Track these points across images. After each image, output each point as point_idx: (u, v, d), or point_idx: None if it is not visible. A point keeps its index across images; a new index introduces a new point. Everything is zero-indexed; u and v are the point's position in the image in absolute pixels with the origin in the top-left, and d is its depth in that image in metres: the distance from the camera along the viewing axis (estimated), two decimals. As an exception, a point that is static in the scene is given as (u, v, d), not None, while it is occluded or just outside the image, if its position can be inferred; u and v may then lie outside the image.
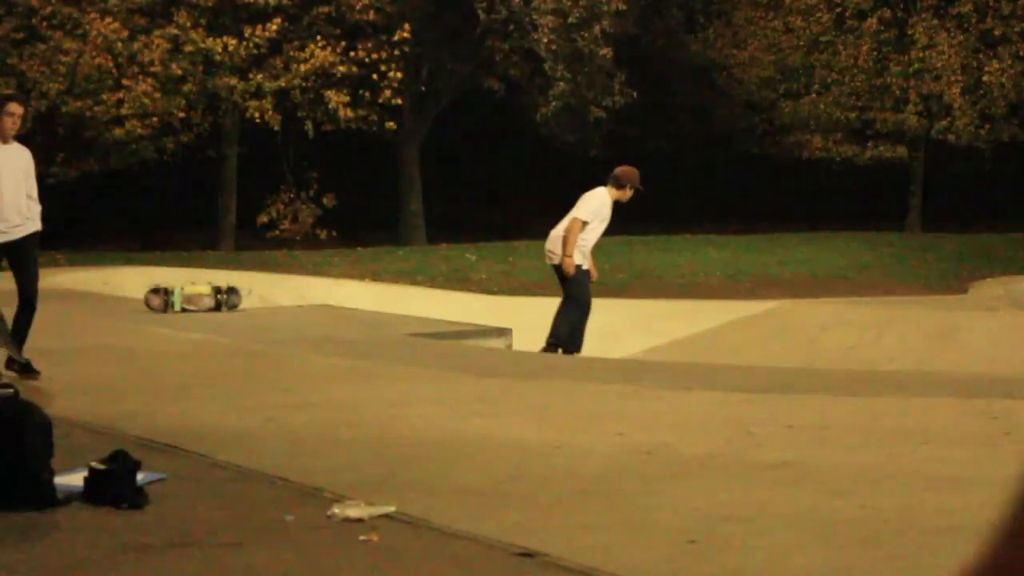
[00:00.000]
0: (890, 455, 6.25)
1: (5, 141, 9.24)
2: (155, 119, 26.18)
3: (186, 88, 26.59)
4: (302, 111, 27.70)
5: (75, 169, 26.23)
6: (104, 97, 25.72)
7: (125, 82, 25.97)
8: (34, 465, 5.21)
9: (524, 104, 30.34)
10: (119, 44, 25.78)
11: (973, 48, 31.05)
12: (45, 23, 25.66)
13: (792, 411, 7.68)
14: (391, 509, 5.03)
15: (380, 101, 27.85)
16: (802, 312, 16.94)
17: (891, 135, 31.66)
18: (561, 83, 28.46)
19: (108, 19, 25.70)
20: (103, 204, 29.67)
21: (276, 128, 27.44)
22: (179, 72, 26.36)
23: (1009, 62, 30.66)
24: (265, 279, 18.97)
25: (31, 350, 9.25)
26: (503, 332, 13.65)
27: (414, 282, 21.14)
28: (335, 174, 29.27)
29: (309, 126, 27.79)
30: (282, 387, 8.81)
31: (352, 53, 27.61)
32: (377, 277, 21.56)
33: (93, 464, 5.31)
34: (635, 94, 29.31)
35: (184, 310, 14.60)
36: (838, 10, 31.89)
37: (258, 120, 27.30)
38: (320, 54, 27.09)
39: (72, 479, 5.35)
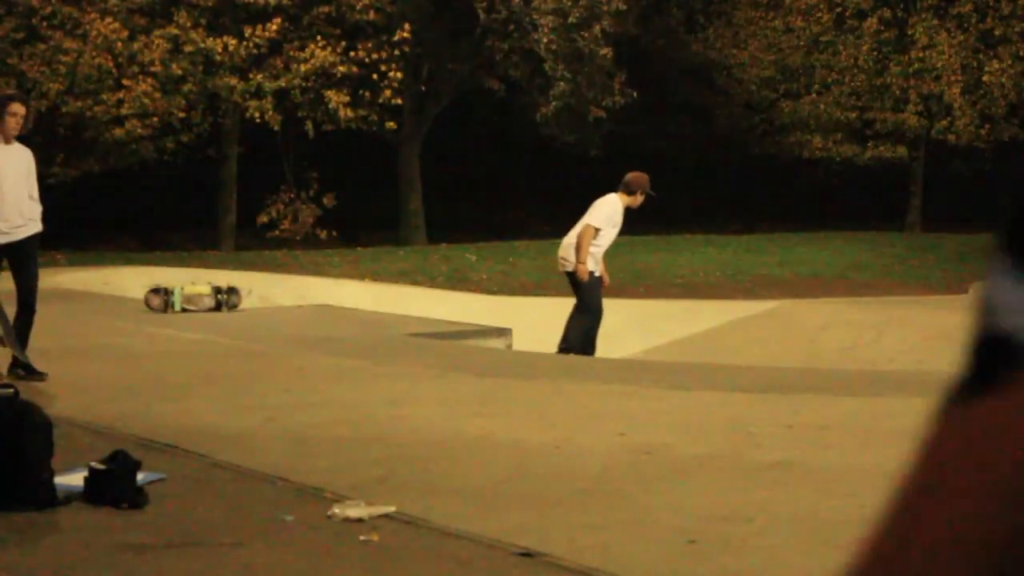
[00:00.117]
0: (890, 455, 6.25)
1: (7, 141, 9.23)
2: (155, 119, 26.17)
3: (186, 88, 26.59)
4: (302, 111, 27.70)
5: (75, 169, 26.22)
6: (104, 97, 25.71)
7: (125, 82, 25.97)
8: (34, 465, 5.21)
9: (524, 104, 30.33)
10: (119, 44, 25.78)
11: (973, 48, 31.04)
12: (45, 23, 25.65)
13: (792, 411, 7.68)
14: (391, 509, 5.03)
15: (380, 101, 27.85)
16: (802, 312, 16.93)
17: (891, 135, 31.66)
18: (561, 83, 28.45)
19: (108, 19, 25.69)
20: (103, 204, 29.64)
21: (276, 128, 27.44)
22: (179, 72, 26.35)
23: (1009, 62, 30.65)
24: (265, 279, 18.96)
25: (32, 350, 9.24)
26: (503, 332, 13.65)
27: (414, 282, 21.13)
28: (335, 174, 29.26)
29: (309, 126, 27.79)
30: (282, 387, 8.80)
31: (352, 53, 27.61)
32: (377, 277, 21.55)
33: (93, 464, 5.31)
34: (635, 94, 29.30)
35: (184, 310, 14.60)
36: (838, 10, 31.89)
37: (258, 120, 27.30)
38: (320, 54, 27.09)
39: (72, 479, 5.35)
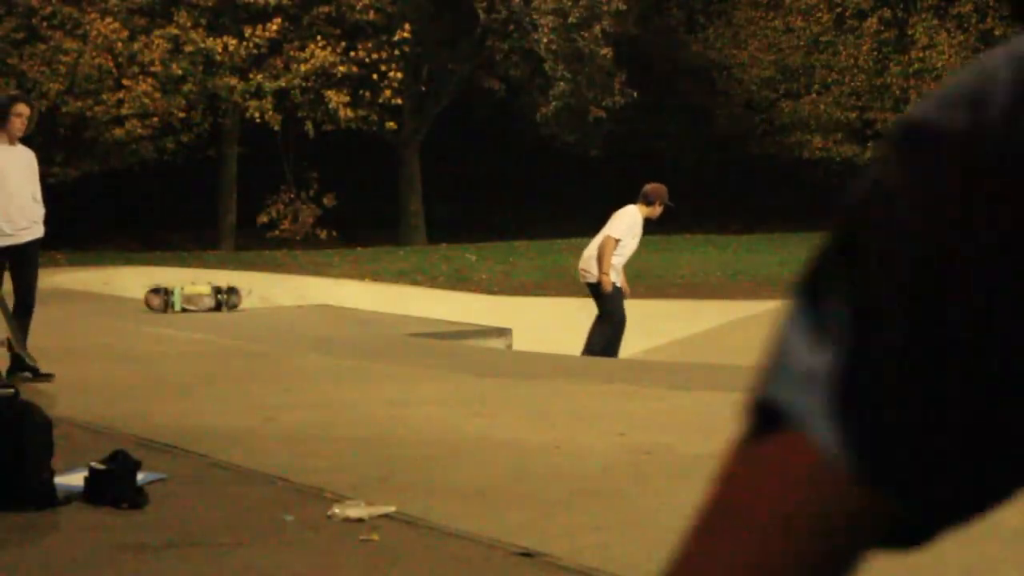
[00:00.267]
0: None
1: (12, 142, 9.22)
2: (155, 119, 26.18)
3: (186, 88, 26.60)
4: (302, 111, 27.70)
5: (75, 169, 26.23)
6: (104, 97, 25.72)
7: (125, 82, 25.97)
8: (34, 465, 5.21)
9: (524, 104, 30.33)
10: (119, 44, 25.78)
11: (973, 48, 31.05)
12: (45, 23, 25.66)
13: (792, 411, 7.67)
14: (391, 509, 5.03)
15: (380, 101, 27.86)
16: (802, 312, 16.90)
17: (891, 135, 31.64)
18: (561, 83, 28.46)
19: (108, 19, 25.70)
20: (103, 204, 29.65)
21: (276, 128, 27.44)
22: (179, 72, 26.36)
23: (1009, 62, 30.65)
24: (265, 279, 18.96)
25: (31, 350, 9.24)
26: (503, 332, 13.66)
27: (414, 282, 21.12)
28: (335, 174, 29.26)
29: (309, 126, 27.80)
30: (282, 387, 8.80)
31: (352, 53, 27.61)
32: (377, 277, 21.55)
33: (93, 464, 5.31)
34: (635, 94, 29.31)
35: (184, 310, 14.60)
36: (838, 10, 31.90)
37: (258, 120, 27.30)
38: (320, 54, 27.10)
39: (72, 479, 5.35)
